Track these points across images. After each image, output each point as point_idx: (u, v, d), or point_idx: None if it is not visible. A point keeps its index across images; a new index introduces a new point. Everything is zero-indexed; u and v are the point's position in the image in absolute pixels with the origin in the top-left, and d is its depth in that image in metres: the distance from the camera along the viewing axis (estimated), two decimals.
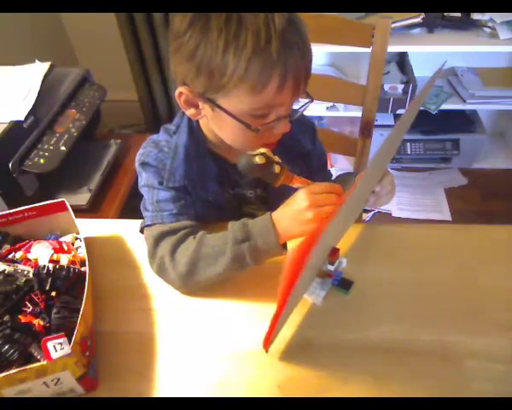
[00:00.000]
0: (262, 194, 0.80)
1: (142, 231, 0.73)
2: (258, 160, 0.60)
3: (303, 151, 0.80)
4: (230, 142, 0.67)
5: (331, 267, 0.67)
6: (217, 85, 0.58)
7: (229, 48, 0.54)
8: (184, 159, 0.70)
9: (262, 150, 0.61)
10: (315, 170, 0.83)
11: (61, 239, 0.74)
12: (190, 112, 0.66)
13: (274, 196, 0.64)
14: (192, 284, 0.66)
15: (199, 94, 0.61)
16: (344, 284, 0.68)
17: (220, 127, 0.66)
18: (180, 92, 0.63)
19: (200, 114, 0.65)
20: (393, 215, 1.81)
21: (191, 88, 0.61)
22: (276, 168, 0.61)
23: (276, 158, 0.62)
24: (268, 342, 0.58)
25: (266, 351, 0.59)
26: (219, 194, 0.76)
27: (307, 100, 0.65)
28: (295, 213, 0.60)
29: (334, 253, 0.65)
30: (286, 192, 0.64)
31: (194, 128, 0.72)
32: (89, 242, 0.71)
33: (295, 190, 0.63)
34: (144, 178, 0.71)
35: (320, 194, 0.60)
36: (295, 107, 0.65)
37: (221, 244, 0.63)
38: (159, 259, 0.66)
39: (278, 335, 0.62)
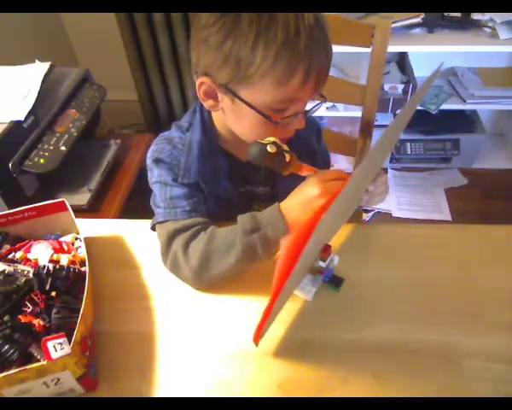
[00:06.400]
0: (270, 191, 0.81)
1: (153, 228, 0.72)
2: (269, 149, 0.60)
3: (309, 149, 0.81)
4: (245, 136, 0.67)
5: (323, 264, 0.67)
6: (242, 76, 0.58)
7: (259, 39, 0.55)
8: (198, 155, 0.70)
9: (272, 139, 0.62)
10: (318, 168, 0.84)
11: (61, 239, 0.74)
12: (208, 103, 0.66)
13: (282, 194, 0.65)
14: (205, 278, 0.66)
15: (220, 85, 0.61)
16: (334, 281, 0.68)
17: (238, 120, 0.66)
18: (201, 82, 0.63)
19: (217, 106, 0.65)
20: (393, 215, 1.81)
21: (214, 78, 0.61)
22: (287, 157, 0.62)
23: (285, 147, 0.63)
24: (258, 335, 0.57)
25: (256, 344, 0.59)
26: (230, 191, 0.77)
27: (320, 100, 0.65)
28: (306, 200, 0.61)
29: (325, 250, 0.65)
30: (294, 188, 0.65)
31: (206, 125, 0.72)
32: (89, 242, 0.71)
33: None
34: (156, 175, 0.71)
35: (330, 181, 0.60)
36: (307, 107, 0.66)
37: (231, 237, 0.64)
38: (172, 255, 0.66)
39: (278, 334, 0.62)
